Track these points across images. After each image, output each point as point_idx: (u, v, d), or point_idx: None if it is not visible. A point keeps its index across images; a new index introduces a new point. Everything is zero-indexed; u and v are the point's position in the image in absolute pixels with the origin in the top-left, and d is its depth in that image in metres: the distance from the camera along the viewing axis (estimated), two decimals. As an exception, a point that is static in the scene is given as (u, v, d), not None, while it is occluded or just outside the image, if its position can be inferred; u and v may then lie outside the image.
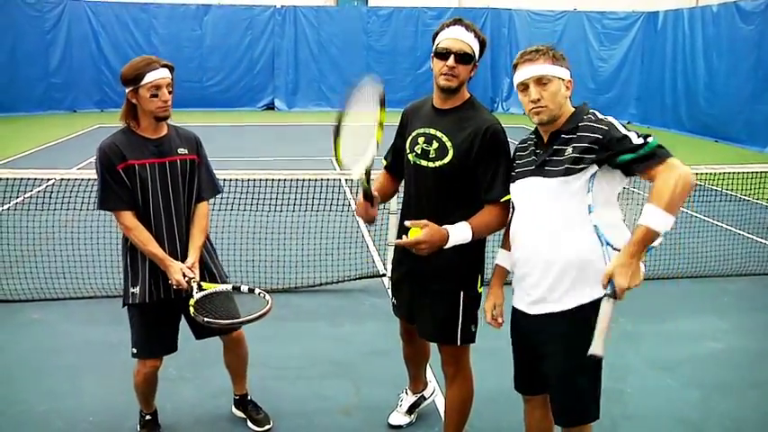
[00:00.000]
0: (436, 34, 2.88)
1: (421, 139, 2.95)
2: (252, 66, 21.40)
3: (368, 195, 2.85)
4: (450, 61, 2.80)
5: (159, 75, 3.01)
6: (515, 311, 2.75)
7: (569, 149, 2.49)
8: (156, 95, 3.00)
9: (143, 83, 2.99)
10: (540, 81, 2.51)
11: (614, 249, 2.43)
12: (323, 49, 21.62)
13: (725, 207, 8.15)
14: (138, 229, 3.09)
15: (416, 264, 3.02)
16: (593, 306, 2.43)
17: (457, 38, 2.80)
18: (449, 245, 2.77)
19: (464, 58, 2.81)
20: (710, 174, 7.58)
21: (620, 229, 2.52)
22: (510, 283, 2.82)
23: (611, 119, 2.53)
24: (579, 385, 2.59)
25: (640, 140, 2.41)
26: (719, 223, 7.79)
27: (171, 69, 3.09)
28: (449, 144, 2.86)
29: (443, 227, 2.77)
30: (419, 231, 2.72)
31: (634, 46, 20.00)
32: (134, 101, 3.05)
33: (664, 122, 18.45)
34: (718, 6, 16.66)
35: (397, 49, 21.33)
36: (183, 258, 3.15)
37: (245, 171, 6.05)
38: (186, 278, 3.04)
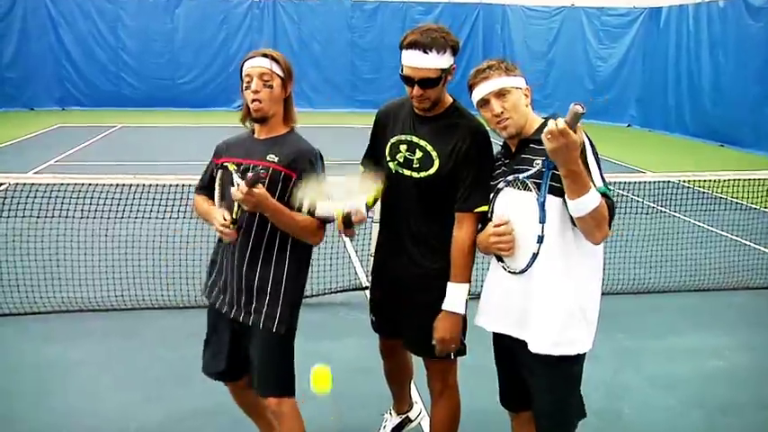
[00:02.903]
0: (400, 47, 2.84)
1: (403, 147, 2.97)
2: (227, 63, 21.36)
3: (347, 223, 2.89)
4: (416, 90, 2.81)
5: (251, 63, 2.86)
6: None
7: (539, 161, 2.55)
8: (248, 87, 2.85)
9: (242, 75, 2.89)
10: (500, 94, 2.61)
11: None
12: (304, 46, 21.70)
13: (730, 216, 8.23)
14: (196, 202, 3.09)
15: (399, 276, 3.05)
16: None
17: (416, 66, 2.77)
18: (463, 311, 2.90)
19: (430, 83, 2.80)
20: (715, 180, 7.67)
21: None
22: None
23: (583, 136, 2.56)
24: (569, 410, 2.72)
25: (600, 183, 2.48)
26: (725, 233, 7.86)
27: (274, 60, 2.86)
28: (434, 154, 2.88)
29: (445, 307, 2.88)
30: None
31: (635, 44, 20.20)
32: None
33: (666, 125, 18.62)
34: (724, 2, 16.79)
35: (382, 46, 21.42)
36: (250, 271, 2.91)
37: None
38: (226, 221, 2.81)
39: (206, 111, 20.58)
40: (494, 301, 2.77)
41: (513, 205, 2.64)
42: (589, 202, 2.35)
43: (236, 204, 2.75)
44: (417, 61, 2.76)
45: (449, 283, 2.89)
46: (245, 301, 2.90)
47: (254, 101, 2.84)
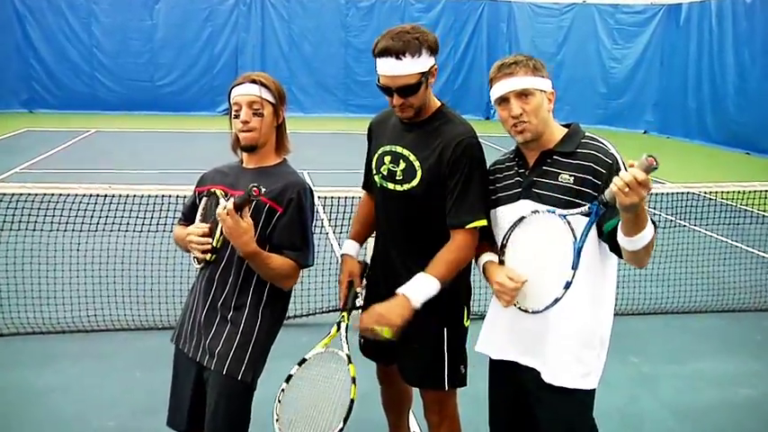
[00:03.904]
0: (373, 54, 2.85)
1: (387, 158, 2.98)
2: (211, 64, 21.46)
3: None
4: (396, 100, 2.82)
5: (240, 90, 2.85)
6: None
7: (566, 176, 2.56)
8: (237, 116, 2.85)
9: (230, 102, 2.90)
10: (522, 94, 2.59)
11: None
12: (294, 46, 21.76)
13: (757, 230, 8.25)
14: (175, 230, 3.05)
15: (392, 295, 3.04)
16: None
17: (392, 74, 2.77)
18: (417, 305, 2.76)
19: (409, 90, 2.79)
20: (741, 192, 7.68)
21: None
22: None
23: (613, 150, 2.59)
24: None
25: None
26: (752, 249, 7.87)
27: (264, 86, 2.85)
28: (416, 164, 2.88)
29: (399, 291, 2.77)
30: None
31: (652, 43, 20.33)
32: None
33: (686, 132, 18.67)
34: (751, -3, 16.81)
35: (379, 46, 21.46)
36: (221, 314, 2.87)
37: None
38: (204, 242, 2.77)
39: (188, 115, 20.60)
40: (501, 327, 2.77)
41: (538, 226, 2.60)
42: (646, 236, 2.32)
43: (218, 231, 2.72)
44: (392, 69, 2.76)
45: (420, 273, 2.79)
46: (210, 343, 2.84)
47: (243, 131, 2.83)
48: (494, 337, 2.80)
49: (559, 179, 2.57)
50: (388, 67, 2.76)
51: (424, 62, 2.78)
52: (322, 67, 21.82)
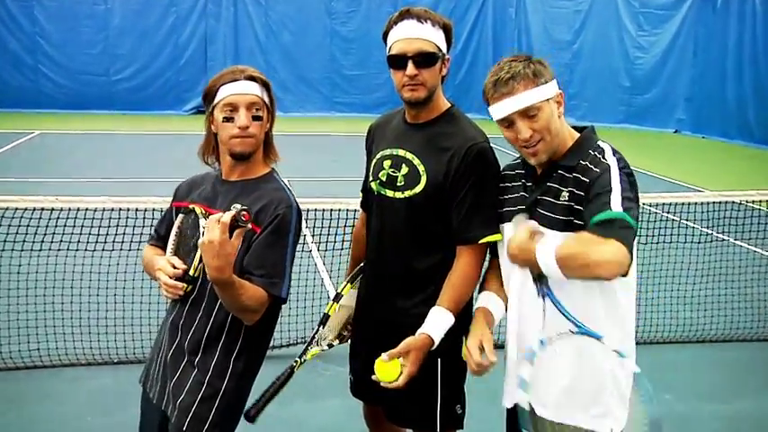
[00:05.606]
0: (386, 34, 2.94)
1: (387, 163, 3.01)
2: (176, 55, 21.50)
3: None
4: (410, 69, 2.84)
5: (237, 89, 2.74)
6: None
7: (566, 193, 2.56)
8: (229, 119, 2.74)
9: (216, 100, 2.76)
10: (528, 113, 2.55)
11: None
12: (272, 35, 21.82)
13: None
14: (145, 252, 3.00)
15: (384, 323, 3.07)
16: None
17: (410, 36, 2.85)
18: (436, 343, 2.81)
19: (426, 59, 2.85)
20: (788, 200, 7.68)
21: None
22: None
23: (610, 159, 2.54)
24: None
25: (617, 207, 2.41)
26: (801, 266, 7.86)
27: (265, 85, 2.81)
28: (421, 168, 2.92)
29: (422, 332, 2.78)
30: (387, 370, 2.75)
31: (684, 30, 20.37)
32: (213, 127, 2.83)
33: (724, 131, 18.70)
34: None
35: (369, 36, 21.54)
36: (189, 356, 2.81)
37: (164, 198, 5.99)
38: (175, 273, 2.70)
39: (149, 114, 20.61)
40: (509, 371, 2.80)
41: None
42: (541, 262, 2.42)
43: (196, 259, 2.65)
44: (412, 31, 2.85)
45: (434, 307, 2.84)
46: (174, 390, 2.78)
47: (239, 137, 2.73)
48: (510, 384, 2.79)
49: (560, 198, 2.58)
50: (409, 29, 2.86)
51: (441, 39, 2.90)
52: (304, 59, 21.86)
